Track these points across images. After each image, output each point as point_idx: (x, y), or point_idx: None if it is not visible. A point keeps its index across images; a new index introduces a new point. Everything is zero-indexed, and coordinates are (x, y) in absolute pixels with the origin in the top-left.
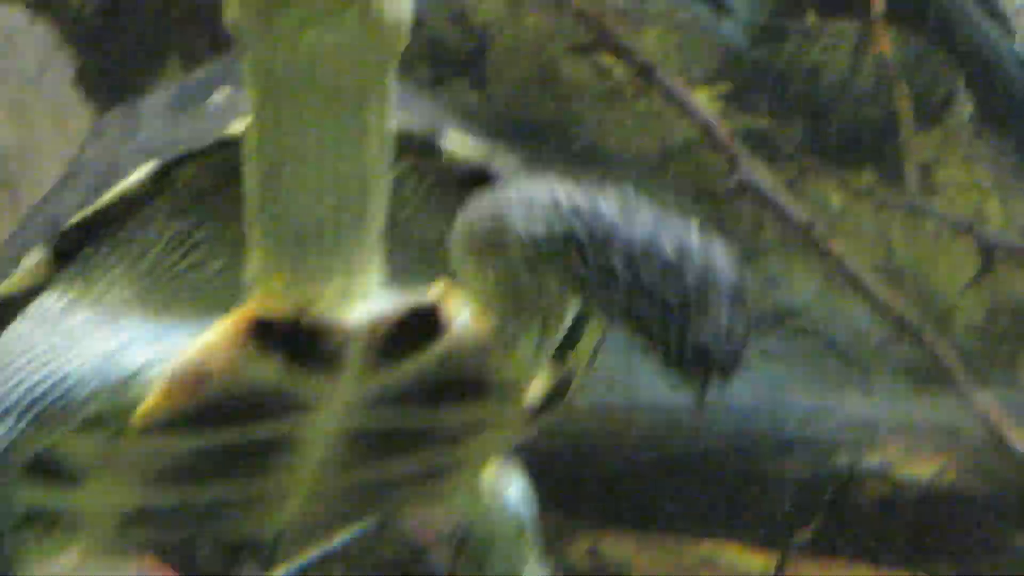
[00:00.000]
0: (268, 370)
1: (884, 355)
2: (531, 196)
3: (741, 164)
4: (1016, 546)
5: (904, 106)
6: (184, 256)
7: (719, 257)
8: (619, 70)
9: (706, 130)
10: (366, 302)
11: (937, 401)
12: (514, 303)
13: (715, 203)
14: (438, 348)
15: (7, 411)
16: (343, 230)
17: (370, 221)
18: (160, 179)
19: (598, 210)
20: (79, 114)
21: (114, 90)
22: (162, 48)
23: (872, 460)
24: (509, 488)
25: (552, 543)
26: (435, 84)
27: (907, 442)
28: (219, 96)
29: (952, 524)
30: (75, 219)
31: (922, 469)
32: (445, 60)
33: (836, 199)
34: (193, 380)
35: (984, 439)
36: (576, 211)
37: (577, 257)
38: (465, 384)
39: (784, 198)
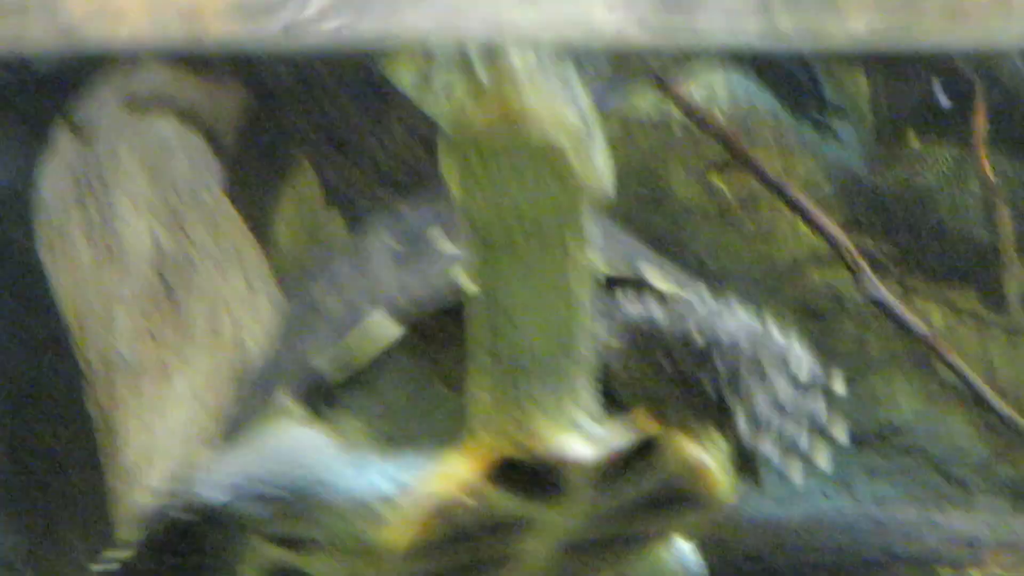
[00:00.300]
0: (505, 500)
1: (986, 473)
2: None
3: (865, 278)
4: None
5: (1006, 228)
6: (418, 395)
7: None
8: (730, 189)
9: (833, 245)
10: (586, 434)
11: None
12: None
13: (821, 322)
14: (656, 470)
15: (262, 495)
16: (560, 368)
17: (584, 358)
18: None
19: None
20: (233, 221)
21: (256, 200)
22: (293, 156)
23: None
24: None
25: None
26: None
27: (1009, 559)
28: (438, 240)
29: None
30: (331, 373)
31: None
32: None
33: (939, 318)
34: (439, 510)
35: None
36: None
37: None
38: (674, 495)
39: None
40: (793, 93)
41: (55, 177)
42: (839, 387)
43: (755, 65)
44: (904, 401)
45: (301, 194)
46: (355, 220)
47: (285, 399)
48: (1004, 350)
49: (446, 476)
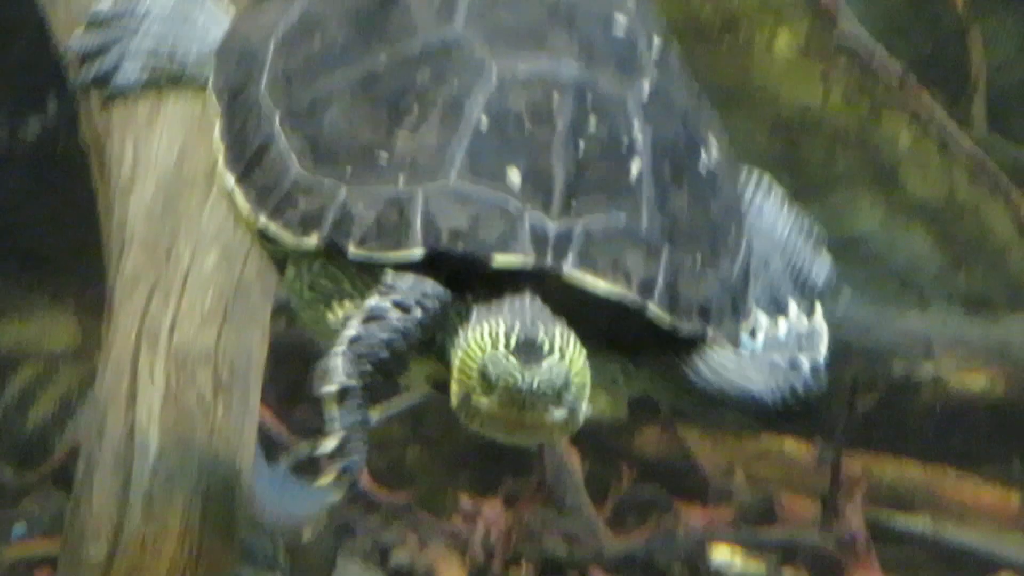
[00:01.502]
0: None
1: (941, 283)
2: None
3: None
4: None
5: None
6: None
7: None
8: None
9: None
10: None
11: (988, 325)
12: None
13: (791, 138)
14: None
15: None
16: None
17: None
18: None
19: None
20: None
21: None
22: None
23: (926, 370)
24: None
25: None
26: None
27: (960, 357)
28: None
29: (999, 431)
30: None
31: (973, 381)
32: None
33: (906, 137)
34: None
35: None
36: None
37: None
38: None
39: None
40: None
41: None
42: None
43: None
44: (866, 215)
45: None
46: None
47: None
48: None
49: None
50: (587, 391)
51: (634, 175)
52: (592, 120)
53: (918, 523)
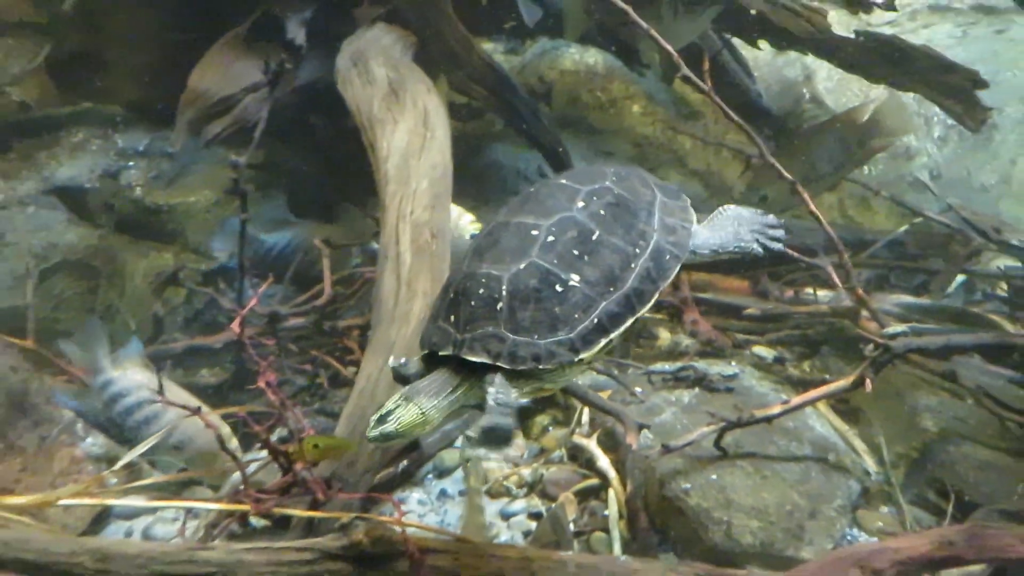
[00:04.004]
0: None
1: None
2: None
3: None
4: None
5: None
6: None
7: None
8: None
9: None
10: None
11: None
12: None
13: None
14: None
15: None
16: None
17: None
18: None
19: None
20: (418, 72)
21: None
22: None
23: None
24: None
25: None
26: None
27: None
28: None
29: None
30: None
31: None
32: None
33: None
34: None
35: None
36: None
37: None
38: None
39: None
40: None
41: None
42: None
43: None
44: None
45: None
46: None
47: None
48: None
49: None
50: (415, 432)
51: (499, 309)
52: (482, 290)
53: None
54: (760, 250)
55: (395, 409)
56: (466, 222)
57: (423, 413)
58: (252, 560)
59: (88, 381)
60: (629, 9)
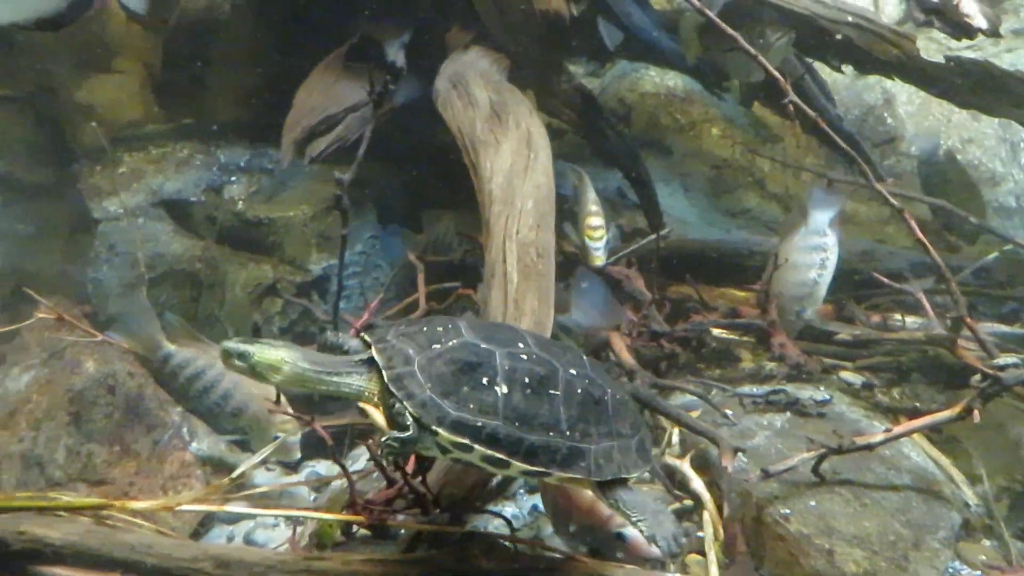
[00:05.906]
0: None
1: None
2: None
3: None
4: None
5: None
6: None
7: None
8: None
9: None
10: None
11: None
12: None
13: None
14: None
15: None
16: None
17: None
18: None
19: None
20: (518, 94)
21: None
22: None
23: None
24: None
25: None
26: None
27: None
28: None
29: None
30: None
31: None
32: None
33: None
34: None
35: None
36: None
37: None
38: None
39: None
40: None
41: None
42: None
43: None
44: None
45: None
46: None
47: None
48: None
49: None
50: (260, 373)
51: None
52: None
53: None
54: None
55: (267, 345)
56: None
57: (283, 360)
58: (367, 571)
59: (151, 357)
60: (738, 36)
